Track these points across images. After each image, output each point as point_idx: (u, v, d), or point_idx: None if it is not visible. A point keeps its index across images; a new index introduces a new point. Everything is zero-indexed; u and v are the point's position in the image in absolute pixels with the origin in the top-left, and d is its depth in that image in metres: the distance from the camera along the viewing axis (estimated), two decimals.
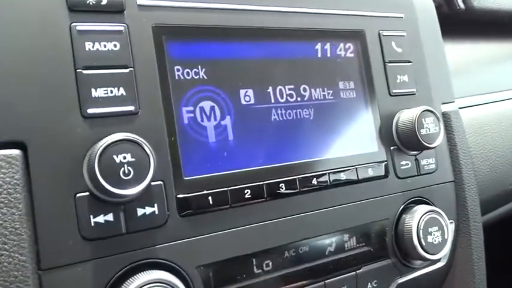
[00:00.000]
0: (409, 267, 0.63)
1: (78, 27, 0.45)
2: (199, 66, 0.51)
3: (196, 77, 0.51)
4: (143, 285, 0.42)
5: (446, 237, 0.61)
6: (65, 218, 0.42)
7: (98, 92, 0.45)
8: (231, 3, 0.54)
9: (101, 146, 0.41)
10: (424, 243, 0.60)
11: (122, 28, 0.47)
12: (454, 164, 0.69)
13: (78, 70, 0.44)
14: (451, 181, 0.68)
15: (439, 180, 0.67)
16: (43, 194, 0.42)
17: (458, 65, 0.85)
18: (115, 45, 0.46)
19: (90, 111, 0.44)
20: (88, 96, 0.44)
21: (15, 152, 0.41)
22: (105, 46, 0.46)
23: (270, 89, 0.55)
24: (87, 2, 0.46)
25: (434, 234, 0.60)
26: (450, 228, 0.63)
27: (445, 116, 0.70)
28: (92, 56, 0.45)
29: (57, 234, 0.42)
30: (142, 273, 0.44)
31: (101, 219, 0.43)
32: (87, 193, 0.43)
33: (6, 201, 0.40)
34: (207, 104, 0.51)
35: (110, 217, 0.44)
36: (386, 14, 0.67)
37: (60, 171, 0.42)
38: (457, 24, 0.88)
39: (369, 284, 0.59)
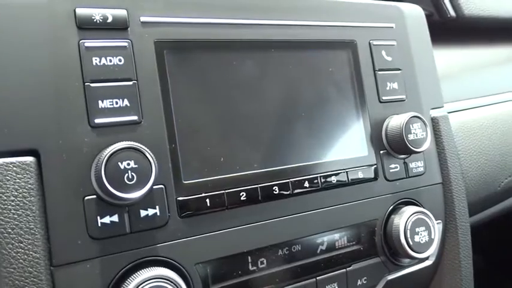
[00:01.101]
0: (398, 265, 0.67)
1: (86, 44, 0.49)
2: (198, 78, 0.55)
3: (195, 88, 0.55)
4: (146, 281, 0.46)
5: (432, 236, 0.65)
6: (75, 219, 0.46)
7: (104, 104, 0.49)
8: (228, 18, 0.58)
9: (107, 154, 0.45)
10: (411, 243, 0.63)
11: (126, 44, 0.51)
12: (442, 166, 0.72)
13: (86, 83, 0.48)
14: (439, 183, 0.71)
15: (427, 182, 0.70)
16: (54, 197, 0.46)
17: (448, 71, 0.88)
18: (120, 60, 0.50)
19: (97, 121, 0.48)
20: (95, 108, 0.48)
21: (30, 159, 0.45)
22: (110, 61, 0.50)
23: (265, 97, 0.59)
24: (94, 20, 0.50)
25: (421, 234, 0.64)
26: (437, 228, 0.66)
27: (434, 120, 0.73)
28: (98, 70, 0.49)
29: (68, 233, 0.46)
30: (145, 269, 0.47)
31: (107, 220, 0.47)
32: (94, 196, 0.47)
33: (21, 204, 0.44)
34: (205, 113, 0.55)
35: (115, 218, 0.48)
36: (377, 24, 0.70)
37: (70, 176, 0.46)
38: (448, 31, 0.91)
39: (359, 280, 0.63)
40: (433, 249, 0.65)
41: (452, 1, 0.88)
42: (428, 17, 0.79)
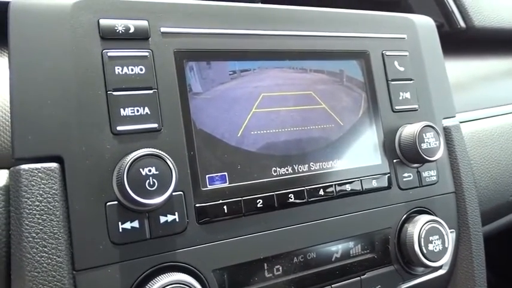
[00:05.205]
0: (412, 273, 0.67)
1: (109, 54, 0.50)
2: (215, 87, 0.56)
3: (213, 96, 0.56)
4: (165, 286, 0.47)
5: (446, 245, 0.65)
6: (97, 224, 0.47)
7: (126, 111, 0.50)
8: (245, 29, 0.59)
9: (129, 160, 0.46)
10: (425, 251, 0.63)
11: (147, 53, 0.52)
12: (454, 175, 0.73)
13: (108, 92, 0.50)
14: (452, 192, 0.72)
15: (440, 191, 0.70)
16: (77, 203, 0.47)
17: (460, 81, 0.89)
18: (141, 69, 0.52)
19: (119, 128, 0.49)
20: (117, 115, 0.49)
21: (54, 165, 0.47)
22: (132, 70, 0.51)
23: (281, 107, 0.60)
24: (117, 30, 0.51)
25: (435, 243, 0.64)
26: (451, 237, 0.67)
27: (446, 130, 0.74)
28: (120, 79, 0.50)
29: (90, 238, 0.47)
30: (164, 275, 0.48)
31: (128, 225, 0.48)
32: (116, 202, 0.48)
33: (45, 209, 0.45)
34: (223, 122, 0.56)
35: (135, 224, 0.48)
36: (390, 35, 0.71)
37: (92, 182, 0.47)
38: (458, 42, 0.92)
39: None
40: (446, 258, 0.65)
41: (463, 12, 0.89)
42: (439, 28, 0.80)
